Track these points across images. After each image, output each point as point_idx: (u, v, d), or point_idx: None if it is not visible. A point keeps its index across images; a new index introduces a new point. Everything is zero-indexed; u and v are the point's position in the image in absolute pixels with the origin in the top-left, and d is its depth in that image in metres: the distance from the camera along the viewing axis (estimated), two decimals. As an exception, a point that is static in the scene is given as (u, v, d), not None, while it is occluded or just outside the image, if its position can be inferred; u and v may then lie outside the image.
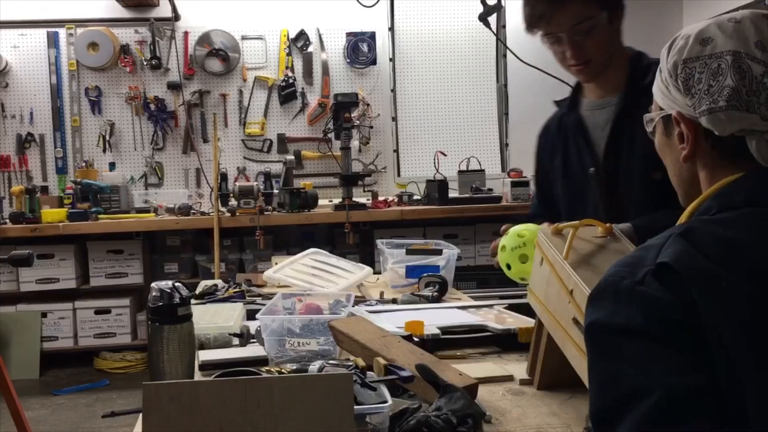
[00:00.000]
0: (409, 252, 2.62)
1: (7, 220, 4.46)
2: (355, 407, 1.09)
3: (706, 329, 0.75)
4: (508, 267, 1.59)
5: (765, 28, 0.89)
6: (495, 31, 4.56)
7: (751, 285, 0.77)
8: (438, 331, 1.75)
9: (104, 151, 5.02)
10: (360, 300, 2.26)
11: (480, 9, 4.25)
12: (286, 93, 5.11)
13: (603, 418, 0.79)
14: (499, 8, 4.53)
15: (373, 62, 5.15)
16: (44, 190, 4.80)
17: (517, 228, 1.62)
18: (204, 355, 1.66)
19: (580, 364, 1.21)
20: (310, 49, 5.14)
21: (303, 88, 5.15)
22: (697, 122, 0.91)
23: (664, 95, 0.97)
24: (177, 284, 1.50)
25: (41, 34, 4.96)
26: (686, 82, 0.92)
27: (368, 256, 4.46)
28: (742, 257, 0.80)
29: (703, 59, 0.90)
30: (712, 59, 0.89)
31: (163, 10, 5.00)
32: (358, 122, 4.97)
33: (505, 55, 5.17)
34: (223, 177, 4.58)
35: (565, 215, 1.89)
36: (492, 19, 4.48)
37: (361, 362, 1.34)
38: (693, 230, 0.84)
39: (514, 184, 4.73)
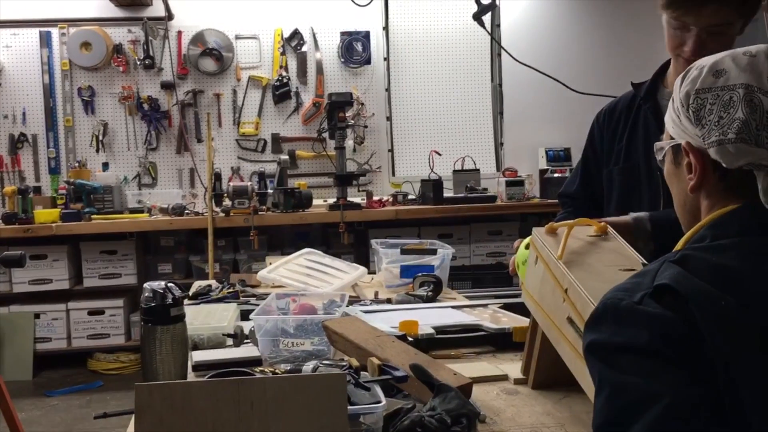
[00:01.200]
0: (404, 252, 2.62)
1: (0, 221, 4.44)
2: (349, 407, 1.09)
3: (707, 346, 0.76)
4: None
5: None
6: (489, 31, 4.56)
7: (745, 309, 0.78)
8: (432, 331, 1.74)
9: (97, 151, 5.00)
10: (354, 300, 2.26)
11: (474, 8, 4.25)
12: (281, 92, 5.10)
13: (615, 422, 0.79)
14: (493, 7, 4.53)
15: (368, 62, 5.15)
16: (37, 190, 4.79)
17: (525, 241, 1.61)
18: (197, 356, 1.65)
19: (574, 363, 1.21)
20: (304, 48, 5.13)
21: (297, 88, 5.14)
22: (705, 153, 0.91)
23: (675, 124, 0.97)
24: (170, 285, 1.50)
25: (33, 33, 4.94)
26: (697, 113, 0.92)
27: (363, 256, 4.46)
28: (735, 282, 0.81)
29: (715, 90, 0.90)
30: (724, 91, 0.89)
31: (157, 10, 4.98)
32: (352, 122, 4.96)
33: (499, 55, 5.16)
34: (217, 177, 4.57)
35: (616, 202, 1.86)
36: (486, 19, 4.48)
37: (355, 362, 1.34)
38: (687, 257, 0.85)
39: (508, 184, 4.74)
